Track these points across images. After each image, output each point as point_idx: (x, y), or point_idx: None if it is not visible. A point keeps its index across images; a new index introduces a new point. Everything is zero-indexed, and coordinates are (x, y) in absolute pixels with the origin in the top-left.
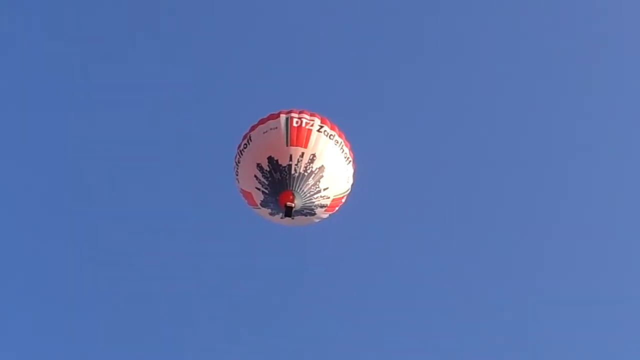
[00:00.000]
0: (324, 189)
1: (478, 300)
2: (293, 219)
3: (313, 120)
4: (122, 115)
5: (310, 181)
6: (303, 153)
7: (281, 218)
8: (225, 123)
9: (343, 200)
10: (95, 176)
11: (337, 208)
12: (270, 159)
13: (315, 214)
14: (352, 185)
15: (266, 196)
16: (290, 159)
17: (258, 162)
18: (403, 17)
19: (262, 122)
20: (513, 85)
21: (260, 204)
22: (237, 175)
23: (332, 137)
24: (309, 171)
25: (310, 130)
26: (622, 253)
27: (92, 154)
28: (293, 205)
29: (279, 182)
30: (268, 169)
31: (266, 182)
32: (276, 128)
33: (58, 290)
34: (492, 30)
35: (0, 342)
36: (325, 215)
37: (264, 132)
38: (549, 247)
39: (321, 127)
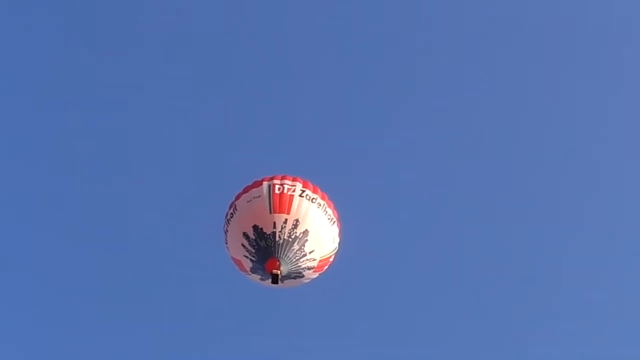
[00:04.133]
0: (310, 252)
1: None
2: (282, 283)
3: (295, 186)
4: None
5: (295, 246)
6: (286, 219)
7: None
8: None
9: (331, 259)
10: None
11: (325, 267)
12: (255, 227)
13: (303, 276)
14: (339, 243)
15: (254, 263)
16: (274, 227)
17: (244, 230)
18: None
19: (246, 190)
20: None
21: (250, 271)
22: (226, 243)
23: (314, 200)
24: (293, 237)
25: (292, 196)
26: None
27: None
28: (279, 272)
29: (265, 249)
30: (254, 237)
31: (253, 250)
32: (259, 196)
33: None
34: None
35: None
36: (315, 275)
37: (247, 201)
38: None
39: (303, 191)
